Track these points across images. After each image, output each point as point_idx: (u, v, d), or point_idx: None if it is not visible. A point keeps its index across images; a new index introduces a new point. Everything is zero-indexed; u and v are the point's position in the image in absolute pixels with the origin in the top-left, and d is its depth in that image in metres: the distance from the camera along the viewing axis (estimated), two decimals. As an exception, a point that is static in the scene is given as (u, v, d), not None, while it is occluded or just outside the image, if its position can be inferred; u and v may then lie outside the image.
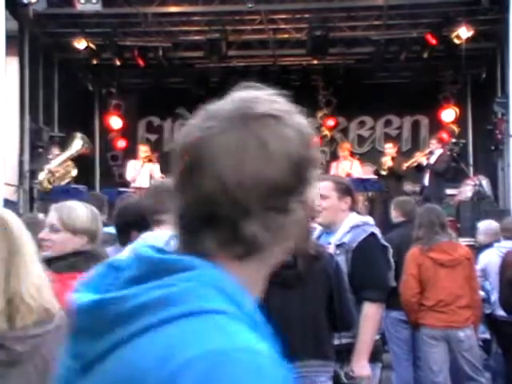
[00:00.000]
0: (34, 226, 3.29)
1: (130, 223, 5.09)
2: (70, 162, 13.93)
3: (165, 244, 4.00)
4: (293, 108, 1.23)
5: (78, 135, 14.30)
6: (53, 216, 3.57)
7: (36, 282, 2.49)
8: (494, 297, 7.43)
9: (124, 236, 5.12)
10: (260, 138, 1.14)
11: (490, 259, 7.67)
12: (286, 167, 1.15)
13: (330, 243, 4.79)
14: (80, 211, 3.53)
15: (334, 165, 14.78)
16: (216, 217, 1.13)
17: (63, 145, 14.34)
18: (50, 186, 13.36)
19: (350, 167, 14.50)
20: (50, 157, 13.91)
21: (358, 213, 5.21)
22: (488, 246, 8.07)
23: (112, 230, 5.71)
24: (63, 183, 13.60)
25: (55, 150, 14.10)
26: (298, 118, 1.22)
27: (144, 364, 1.04)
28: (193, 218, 1.16)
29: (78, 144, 14.18)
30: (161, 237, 4.23)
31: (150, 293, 1.08)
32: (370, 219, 5.29)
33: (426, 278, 6.53)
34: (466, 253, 6.76)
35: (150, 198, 4.59)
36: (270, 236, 1.15)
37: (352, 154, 15.36)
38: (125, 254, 4.34)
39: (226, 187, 1.12)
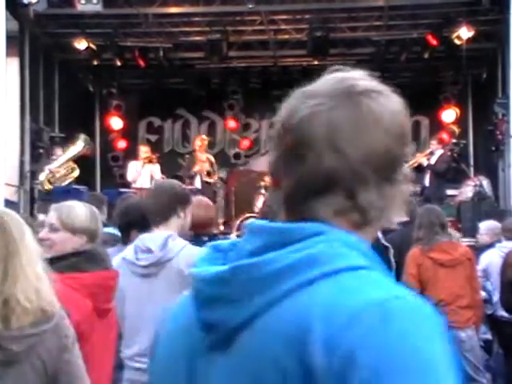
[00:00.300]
0: (34, 229, 3.29)
1: (131, 223, 5.12)
2: (71, 163, 13.93)
3: (162, 245, 3.99)
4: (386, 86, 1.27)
5: (81, 136, 14.31)
6: (52, 216, 3.58)
7: (34, 284, 2.49)
8: (496, 297, 7.42)
9: (125, 235, 5.15)
10: (373, 112, 1.19)
11: (492, 259, 7.67)
12: (399, 138, 1.21)
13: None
14: (79, 211, 3.53)
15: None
16: (333, 187, 1.17)
17: (65, 145, 14.34)
18: (51, 187, 13.36)
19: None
20: (54, 157, 13.93)
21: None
22: (489, 246, 8.07)
23: (112, 230, 5.73)
24: (64, 184, 13.60)
25: (58, 151, 14.11)
26: (393, 94, 1.26)
27: (304, 322, 1.07)
28: (306, 189, 1.19)
29: (80, 145, 14.18)
30: (157, 237, 4.27)
31: (290, 256, 1.12)
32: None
33: (425, 278, 6.53)
34: (466, 253, 6.75)
35: (152, 198, 4.61)
36: (383, 205, 1.20)
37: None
38: (126, 253, 4.35)
39: (348, 160, 1.15)
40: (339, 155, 1.16)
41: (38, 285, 2.50)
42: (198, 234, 5.02)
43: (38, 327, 2.46)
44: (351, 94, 1.20)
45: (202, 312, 1.20)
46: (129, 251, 4.35)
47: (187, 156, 15.47)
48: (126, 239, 5.09)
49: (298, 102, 1.23)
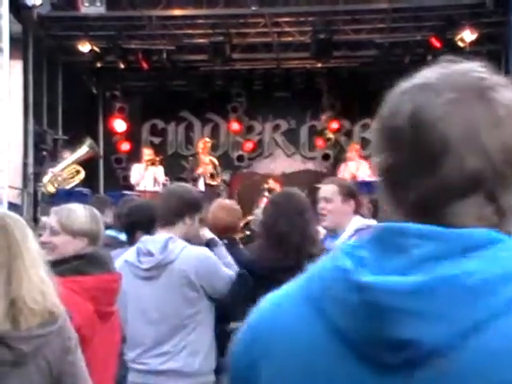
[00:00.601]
0: (36, 231, 3.29)
1: (136, 224, 5.12)
2: (76, 166, 13.94)
3: (162, 247, 4.00)
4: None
5: (88, 141, 14.33)
6: (52, 219, 3.59)
7: (39, 286, 2.49)
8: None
9: (130, 237, 5.16)
10: (505, 106, 1.12)
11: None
12: None
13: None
14: (79, 213, 3.54)
15: (342, 167, 14.75)
16: (476, 190, 1.09)
17: (69, 148, 14.36)
18: (54, 190, 13.37)
19: (356, 169, 14.44)
20: (61, 159, 13.96)
21: (362, 216, 5.20)
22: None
23: (114, 233, 5.73)
24: (69, 186, 13.61)
25: (65, 154, 14.13)
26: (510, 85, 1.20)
27: None
28: (448, 193, 1.10)
29: (84, 149, 14.20)
30: (158, 240, 4.28)
31: (491, 266, 1.04)
32: (374, 222, 5.28)
33: None
34: None
35: (161, 201, 4.61)
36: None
37: (361, 156, 15.31)
38: (128, 255, 4.36)
39: (491, 160, 1.08)
40: (482, 155, 1.08)
41: (42, 287, 2.50)
42: (220, 237, 5.02)
43: (45, 328, 2.47)
44: (482, 89, 1.13)
45: (388, 328, 1.03)
46: (131, 254, 4.36)
47: (190, 158, 15.49)
48: (131, 241, 5.10)
49: (422, 99, 1.14)
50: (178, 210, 4.37)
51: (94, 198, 9.05)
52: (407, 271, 1.05)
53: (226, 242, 5.03)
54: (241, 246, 6.08)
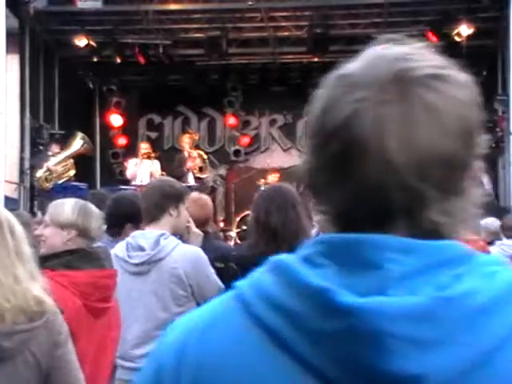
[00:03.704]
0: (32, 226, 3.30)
1: (126, 216, 5.03)
2: (69, 161, 13.92)
3: (154, 243, 3.99)
4: (451, 62, 1.05)
5: (79, 134, 14.30)
6: (46, 212, 3.63)
7: (13, 287, 2.46)
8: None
9: (115, 229, 5.03)
10: (428, 105, 0.95)
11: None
12: (460, 137, 0.96)
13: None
14: (66, 206, 3.56)
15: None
16: (389, 208, 0.95)
17: (63, 142, 14.33)
18: (48, 184, 13.33)
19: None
20: (50, 153, 13.89)
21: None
22: (489, 244, 8.07)
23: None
24: (61, 181, 13.58)
25: (55, 148, 14.08)
26: (460, 74, 1.05)
27: None
28: (360, 211, 0.96)
29: (78, 143, 14.18)
30: (150, 236, 4.25)
31: (489, 285, 0.92)
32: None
33: None
34: (484, 247, 6.89)
35: (143, 198, 4.58)
36: (452, 223, 0.98)
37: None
38: (117, 250, 4.32)
39: (394, 170, 0.92)
40: (384, 165, 0.93)
41: (15, 287, 2.48)
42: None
43: (29, 323, 2.46)
44: (404, 83, 0.96)
45: (384, 361, 0.87)
46: (120, 248, 4.34)
47: (177, 155, 15.39)
48: (115, 233, 5.00)
49: (339, 94, 0.98)
50: (159, 203, 4.33)
51: (91, 194, 9.02)
52: (386, 291, 0.90)
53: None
54: (216, 240, 6.13)
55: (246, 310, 0.96)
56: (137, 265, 4.24)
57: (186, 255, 4.27)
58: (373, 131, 0.93)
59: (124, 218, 5.02)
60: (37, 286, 2.52)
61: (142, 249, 4.23)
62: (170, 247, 4.22)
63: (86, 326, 3.36)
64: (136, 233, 4.40)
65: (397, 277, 0.91)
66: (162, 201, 4.35)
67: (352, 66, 1.01)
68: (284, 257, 0.98)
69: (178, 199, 4.41)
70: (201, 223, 5.22)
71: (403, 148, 0.93)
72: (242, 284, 1.00)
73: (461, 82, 1.02)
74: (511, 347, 0.90)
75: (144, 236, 4.29)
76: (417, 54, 1.02)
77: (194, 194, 5.90)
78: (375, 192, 0.94)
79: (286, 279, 0.94)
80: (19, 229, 2.58)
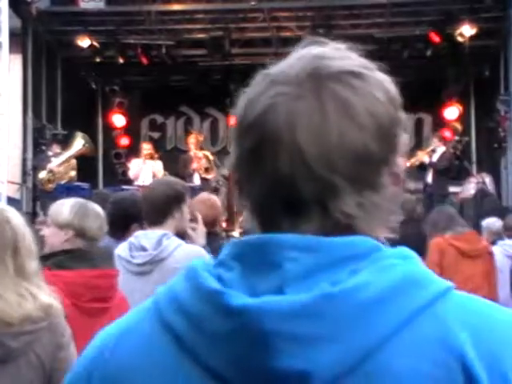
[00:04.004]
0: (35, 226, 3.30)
1: (132, 217, 5.02)
2: (71, 162, 13.91)
3: (156, 243, 3.96)
4: (371, 63, 1.06)
5: (80, 134, 14.29)
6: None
7: (18, 301, 2.47)
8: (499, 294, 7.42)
9: (120, 230, 5.02)
10: (341, 100, 0.97)
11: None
12: (374, 133, 0.97)
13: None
14: (65, 206, 3.57)
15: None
16: (301, 199, 0.96)
17: (65, 143, 14.33)
18: (51, 185, 13.34)
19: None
20: (50, 153, 13.88)
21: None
22: (491, 244, 8.06)
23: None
24: (63, 181, 13.58)
25: (56, 148, 14.08)
26: (379, 74, 1.05)
27: (450, 354, 0.90)
28: (275, 204, 0.98)
29: (79, 143, 14.17)
30: (152, 236, 4.26)
31: (382, 278, 0.92)
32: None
33: (447, 266, 6.61)
34: (487, 246, 6.94)
35: (145, 201, 4.58)
36: (366, 218, 0.98)
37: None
38: (120, 250, 4.33)
39: (305, 161, 0.95)
40: (296, 157, 0.95)
41: (18, 290, 2.48)
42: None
43: (34, 325, 2.47)
44: (319, 79, 0.98)
45: (272, 359, 0.89)
46: (122, 248, 4.34)
47: (181, 156, 15.41)
48: (120, 234, 4.99)
49: (259, 91, 1.02)
50: (163, 209, 4.33)
51: (94, 193, 9.01)
52: (284, 289, 0.91)
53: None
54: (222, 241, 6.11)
55: (158, 315, 0.99)
56: (139, 265, 4.24)
57: (188, 255, 4.27)
58: (286, 124, 0.96)
59: (129, 218, 5.02)
60: (42, 294, 2.52)
61: (144, 249, 4.23)
62: (173, 247, 4.22)
63: (80, 326, 3.35)
64: (138, 233, 4.40)
65: (294, 276, 0.92)
66: (165, 206, 4.34)
67: (275, 66, 1.06)
68: (197, 262, 1.01)
69: (180, 200, 4.41)
70: (210, 223, 5.22)
71: (313, 140, 0.95)
72: (159, 290, 1.03)
73: (378, 81, 1.02)
74: (401, 341, 0.90)
75: (146, 236, 4.29)
76: (337, 53, 1.05)
77: (204, 195, 5.92)
78: (288, 184, 0.96)
79: (192, 284, 0.97)
80: (27, 243, 2.57)
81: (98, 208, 3.70)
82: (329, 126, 0.96)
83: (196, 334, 0.93)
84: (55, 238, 3.53)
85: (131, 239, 4.33)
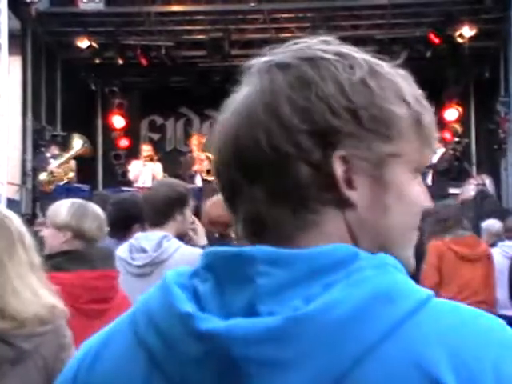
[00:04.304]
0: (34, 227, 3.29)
1: (133, 218, 5.02)
2: (69, 163, 13.91)
3: (156, 245, 3.96)
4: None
5: (78, 135, 14.28)
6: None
7: (30, 298, 2.46)
8: (498, 296, 7.42)
9: (121, 231, 5.02)
10: (304, 78, 0.99)
11: (494, 259, 7.67)
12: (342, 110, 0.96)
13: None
14: (63, 207, 3.55)
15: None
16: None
17: (64, 144, 14.33)
18: (51, 187, 13.34)
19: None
20: (49, 155, 13.87)
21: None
22: (491, 245, 8.06)
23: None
24: (62, 182, 13.57)
25: (54, 150, 14.07)
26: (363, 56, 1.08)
27: (426, 372, 0.84)
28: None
29: (77, 144, 14.16)
30: (152, 238, 4.25)
31: (354, 293, 0.86)
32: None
33: (445, 270, 6.61)
34: (486, 250, 6.94)
35: (147, 203, 4.57)
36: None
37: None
38: (120, 252, 4.32)
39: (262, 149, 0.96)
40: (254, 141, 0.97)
41: (33, 298, 2.47)
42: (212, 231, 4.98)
43: (43, 327, 2.47)
44: (298, 60, 1.03)
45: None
46: (122, 250, 4.34)
47: (183, 157, 15.41)
48: (121, 235, 4.98)
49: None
50: (164, 211, 4.33)
51: (94, 195, 9.00)
52: (255, 308, 0.87)
53: (216, 235, 4.96)
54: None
55: (134, 329, 0.96)
56: (139, 267, 4.24)
57: (188, 257, 4.26)
58: (249, 102, 1.04)
59: (130, 219, 5.02)
60: (47, 293, 2.52)
61: (144, 251, 4.23)
62: (173, 249, 4.22)
63: (79, 327, 3.33)
64: (139, 235, 4.40)
65: (267, 291, 0.88)
66: (167, 208, 4.34)
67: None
68: (170, 274, 0.97)
69: (183, 203, 4.41)
70: (222, 225, 5.21)
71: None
72: (139, 300, 1.01)
73: (355, 65, 1.04)
74: (370, 365, 0.84)
75: (146, 238, 4.29)
76: (323, 44, 1.08)
77: (217, 197, 5.92)
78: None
79: (165, 301, 0.93)
80: (29, 238, 2.56)
81: (97, 209, 3.68)
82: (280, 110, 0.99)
83: (168, 354, 0.90)
84: (54, 240, 3.52)
85: (131, 241, 4.33)
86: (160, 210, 4.34)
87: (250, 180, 0.95)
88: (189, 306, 0.90)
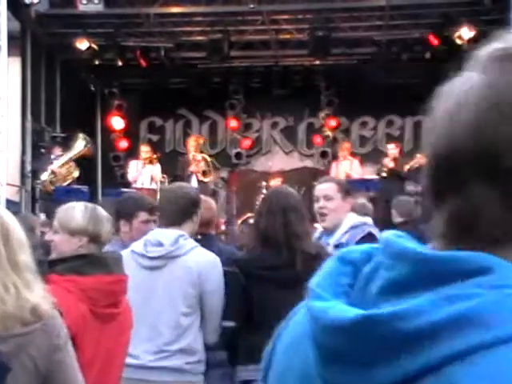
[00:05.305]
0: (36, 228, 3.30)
1: (120, 213, 5.13)
2: (72, 163, 13.94)
3: (173, 241, 4.03)
4: None
5: (81, 136, 14.31)
6: (55, 217, 3.61)
7: (2, 296, 2.45)
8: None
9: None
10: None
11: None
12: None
13: (328, 244, 4.79)
14: (76, 211, 3.53)
15: (334, 165, 14.84)
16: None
17: (65, 145, 14.35)
18: (52, 187, 13.36)
19: (349, 167, 14.53)
20: (53, 157, 13.91)
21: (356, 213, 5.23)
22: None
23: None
24: (64, 184, 13.60)
25: (57, 151, 14.10)
26: None
27: None
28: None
29: (80, 145, 14.20)
30: (170, 234, 4.32)
31: (444, 307, 0.78)
32: (368, 219, 5.31)
33: None
34: None
35: (168, 202, 4.64)
36: None
37: (352, 154, 15.31)
38: (135, 246, 4.37)
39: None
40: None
41: (5, 296, 2.46)
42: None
43: (26, 327, 2.45)
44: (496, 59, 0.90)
45: (324, 368, 0.85)
46: (137, 244, 4.41)
47: (180, 158, 15.41)
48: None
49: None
50: (187, 210, 4.47)
51: (102, 198, 9.02)
52: (377, 303, 0.84)
53: (199, 237, 4.93)
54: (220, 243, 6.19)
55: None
56: (154, 258, 4.31)
57: (203, 258, 4.36)
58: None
59: (116, 215, 5.09)
60: (33, 294, 2.50)
61: (161, 244, 4.32)
62: (189, 247, 4.33)
63: (93, 331, 3.35)
64: (155, 230, 4.50)
65: (385, 285, 0.86)
66: (190, 208, 4.47)
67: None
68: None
69: (199, 206, 4.57)
70: (204, 225, 5.26)
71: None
72: None
73: None
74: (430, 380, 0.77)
75: (163, 234, 4.39)
76: None
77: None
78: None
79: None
80: (18, 236, 2.54)
81: (104, 211, 3.70)
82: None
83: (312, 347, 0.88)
84: (66, 245, 3.50)
85: (147, 236, 4.43)
86: (182, 209, 4.45)
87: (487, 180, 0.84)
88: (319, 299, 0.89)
